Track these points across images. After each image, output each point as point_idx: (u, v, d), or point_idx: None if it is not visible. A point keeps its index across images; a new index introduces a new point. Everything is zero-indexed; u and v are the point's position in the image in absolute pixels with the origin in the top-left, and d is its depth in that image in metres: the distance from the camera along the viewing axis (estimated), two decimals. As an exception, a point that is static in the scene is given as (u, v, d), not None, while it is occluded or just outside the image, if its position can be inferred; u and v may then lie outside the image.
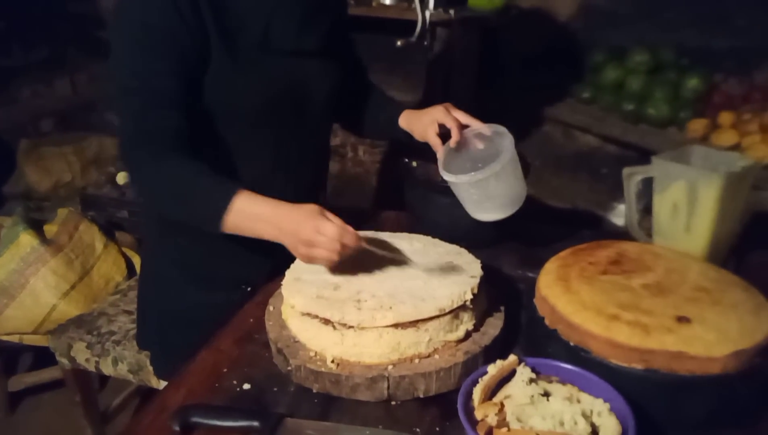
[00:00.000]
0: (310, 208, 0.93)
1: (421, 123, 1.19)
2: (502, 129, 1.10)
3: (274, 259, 1.12)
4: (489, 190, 1.07)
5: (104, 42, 3.09)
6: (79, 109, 3.14)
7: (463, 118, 1.14)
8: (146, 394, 1.92)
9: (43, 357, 1.91)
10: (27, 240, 1.88)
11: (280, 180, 1.17)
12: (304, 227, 0.91)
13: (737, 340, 0.77)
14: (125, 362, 1.53)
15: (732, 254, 1.13)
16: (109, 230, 2.19)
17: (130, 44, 0.99)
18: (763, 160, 1.71)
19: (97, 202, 2.40)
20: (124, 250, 2.15)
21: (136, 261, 2.13)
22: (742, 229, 1.11)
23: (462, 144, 1.15)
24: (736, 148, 1.84)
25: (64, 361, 1.61)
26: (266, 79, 1.08)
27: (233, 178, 1.06)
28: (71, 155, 2.73)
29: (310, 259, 0.94)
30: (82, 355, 1.57)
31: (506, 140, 1.07)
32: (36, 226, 1.96)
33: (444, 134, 1.16)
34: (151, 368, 1.45)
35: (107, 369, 1.56)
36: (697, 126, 1.96)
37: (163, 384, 1.33)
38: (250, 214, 0.96)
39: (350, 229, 0.93)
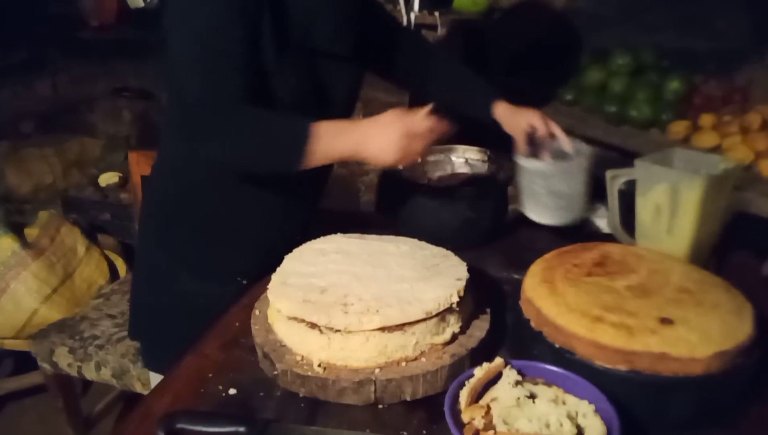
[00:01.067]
0: (396, 112, 1.04)
1: (515, 120, 1.28)
2: (586, 146, 1.19)
3: (269, 252, 1.13)
4: (554, 185, 1.12)
5: (85, 43, 3.05)
6: (60, 110, 3.10)
7: (556, 130, 1.25)
8: (130, 399, 1.90)
9: (24, 362, 1.89)
10: (7, 244, 1.86)
11: (296, 174, 1.17)
12: (400, 125, 1.01)
13: (719, 341, 0.78)
14: (108, 367, 1.51)
15: (713, 255, 1.15)
16: (91, 233, 2.17)
17: (212, 10, 1.00)
18: (744, 162, 1.73)
19: (78, 205, 2.38)
20: (107, 253, 2.13)
21: (119, 264, 2.12)
22: (723, 229, 1.13)
23: (542, 151, 1.24)
24: (716, 149, 1.86)
25: (46, 366, 1.59)
26: (298, 81, 1.11)
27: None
28: (52, 157, 2.70)
29: (404, 158, 1.03)
30: (64, 360, 1.55)
31: (587, 151, 1.16)
32: (17, 230, 1.94)
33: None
34: (134, 373, 1.44)
35: (90, 374, 1.54)
36: (679, 127, 1.98)
37: (155, 378, 1.31)
38: (331, 133, 1.02)
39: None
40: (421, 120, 1.03)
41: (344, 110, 1.27)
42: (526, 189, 1.17)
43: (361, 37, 1.18)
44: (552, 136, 1.25)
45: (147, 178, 1.33)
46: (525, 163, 1.14)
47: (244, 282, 1.21)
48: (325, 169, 1.36)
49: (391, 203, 1.38)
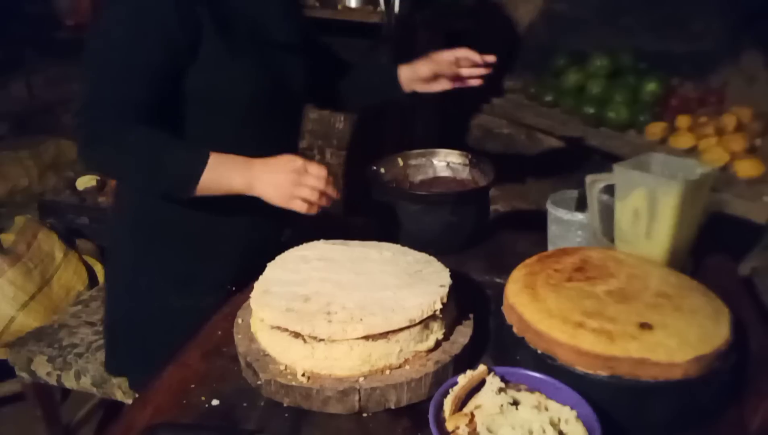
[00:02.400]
0: (291, 154, 1.05)
1: (418, 67, 1.30)
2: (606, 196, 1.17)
3: (255, 258, 1.12)
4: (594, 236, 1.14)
5: (61, 43, 3.00)
6: (36, 112, 3.04)
7: (469, 53, 1.28)
8: (110, 406, 1.88)
9: (0, 370, 1.85)
10: (-18, 250, 1.82)
11: None
12: (293, 163, 1.02)
13: (697, 346, 0.80)
14: (88, 375, 1.49)
15: (690, 257, 1.17)
16: (69, 238, 2.13)
17: (119, 18, 1.01)
18: (719, 163, 1.77)
19: (56, 209, 2.33)
20: (86, 258, 2.10)
21: (98, 269, 2.09)
22: (700, 232, 1.15)
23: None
24: (692, 150, 1.90)
25: (24, 375, 1.56)
26: (256, 67, 1.12)
27: None
28: (28, 160, 2.65)
29: (289, 198, 1.02)
30: (43, 368, 1.53)
31: (612, 202, 1.15)
32: (-8, 236, 1.90)
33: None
34: (115, 381, 1.42)
35: (70, 382, 1.52)
36: (656, 129, 2.01)
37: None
38: (225, 166, 1.03)
39: (331, 178, 1.04)
40: (315, 170, 1.03)
41: (298, 106, 1.30)
42: (561, 237, 1.19)
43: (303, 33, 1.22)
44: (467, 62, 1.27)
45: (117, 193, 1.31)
46: (563, 214, 1.16)
47: (233, 289, 1.18)
48: None
49: (374, 208, 1.38)
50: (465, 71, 1.30)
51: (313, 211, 1.04)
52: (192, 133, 1.11)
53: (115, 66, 1.01)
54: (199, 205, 1.08)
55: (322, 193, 1.03)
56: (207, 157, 1.02)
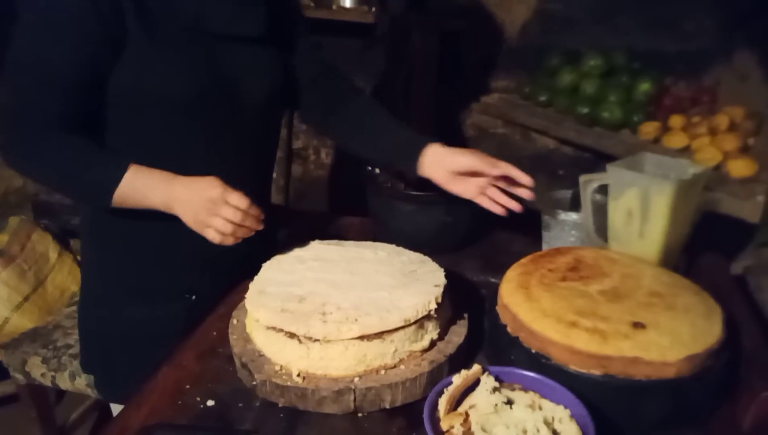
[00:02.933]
0: (214, 178, 0.96)
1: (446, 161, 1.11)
2: (600, 196, 1.16)
3: (215, 265, 1.12)
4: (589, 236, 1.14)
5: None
6: (29, 112, 3.03)
7: (512, 170, 1.09)
8: (105, 407, 1.87)
9: (-5, 372, 1.85)
10: (-24, 251, 1.81)
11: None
12: (212, 191, 0.94)
13: (690, 345, 0.81)
14: (83, 376, 1.49)
15: (682, 256, 1.17)
16: (63, 239, 2.13)
17: (31, 21, 0.95)
18: (712, 162, 1.78)
19: (50, 209, 2.33)
20: (80, 259, 2.09)
21: (93, 270, 2.08)
22: (693, 231, 1.16)
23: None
24: (686, 150, 1.91)
25: (18, 376, 1.56)
26: (195, 65, 1.01)
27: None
28: (21, 160, 2.64)
29: (203, 226, 0.95)
30: (37, 370, 1.53)
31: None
32: (-15, 237, 1.90)
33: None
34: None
35: (64, 384, 1.52)
36: (649, 129, 2.02)
37: (115, 409, 1.24)
38: (144, 181, 0.97)
39: (256, 209, 0.97)
40: (234, 200, 0.95)
41: (267, 107, 1.15)
42: (556, 238, 1.20)
43: (274, 17, 1.09)
44: (506, 179, 1.10)
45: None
46: (557, 214, 1.17)
47: (193, 298, 1.15)
48: (268, 172, 1.28)
49: (368, 208, 1.39)
50: (496, 193, 1.12)
51: (228, 242, 0.97)
52: (119, 141, 1.04)
53: (31, 73, 0.96)
54: (149, 212, 1.01)
55: (239, 226, 0.96)
56: (124, 169, 0.97)
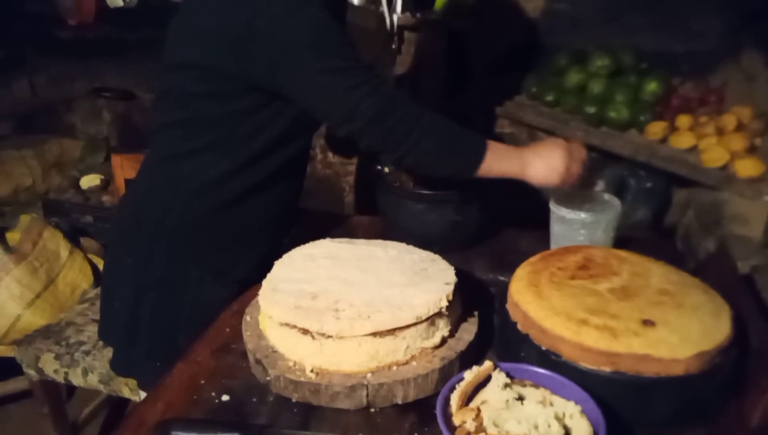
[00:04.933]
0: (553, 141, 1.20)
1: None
2: (616, 199, 1.25)
3: (267, 251, 1.18)
4: (594, 234, 1.18)
5: (63, 42, 3.00)
6: (39, 111, 3.06)
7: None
8: (117, 403, 1.90)
9: (7, 368, 1.87)
10: (-11, 249, 1.83)
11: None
12: (569, 147, 1.16)
13: (699, 342, 0.82)
14: (95, 372, 1.51)
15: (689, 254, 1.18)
16: (73, 236, 2.15)
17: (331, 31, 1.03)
18: (720, 162, 1.78)
19: (60, 208, 2.35)
20: (90, 256, 2.11)
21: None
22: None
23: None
24: (693, 150, 1.91)
25: (31, 372, 1.58)
26: None
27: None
28: (31, 159, 2.67)
29: (569, 174, 1.15)
30: (50, 366, 1.54)
31: (617, 203, 1.23)
32: (-2, 234, 1.92)
33: None
34: (122, 378, 1.44)
35: (77, 380, 1.53)
36: (656, 129, 2.02)
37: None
38: (500, 153, 1.12)
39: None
40: (579, 148, 1.18)
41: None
42: (564, 236, 1.21)
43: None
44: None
45: (129, 189, 1.28)
46: (566, 213, 1.19)
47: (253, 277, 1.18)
48: (304, 164, 1.34)
49: (378, 207, 1.40)
50: None
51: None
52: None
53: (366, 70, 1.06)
54: (225, 202, 1.14)
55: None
56: (485, 143, 1.11)
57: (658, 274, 0.98)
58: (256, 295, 1.01)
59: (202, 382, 0.93)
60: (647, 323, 0.84)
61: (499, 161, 1.12)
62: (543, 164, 1.14)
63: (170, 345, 1.14)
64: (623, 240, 1.25)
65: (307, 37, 1.01)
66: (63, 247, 2.01)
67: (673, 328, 0.83)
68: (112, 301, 1.25)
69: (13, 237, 1.96)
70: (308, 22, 1.00)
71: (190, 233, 1.18)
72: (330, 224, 1.49)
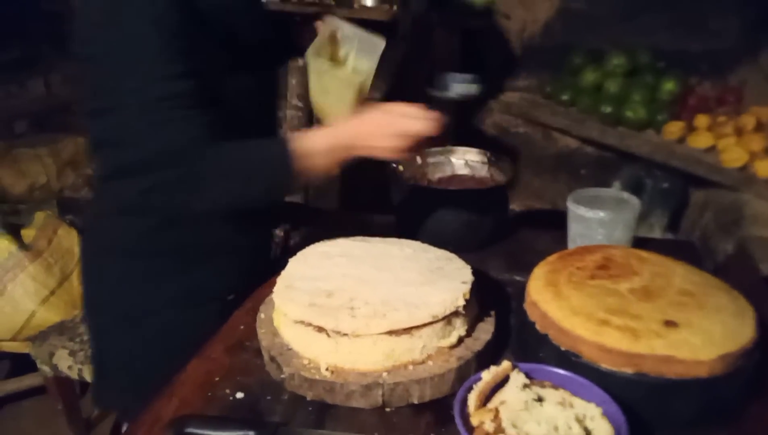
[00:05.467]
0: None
1: None
2: (635, 198, 1.22)
3: (254, 264, 1.14)
4: (613, 233, 1.16)
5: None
6: (54, 109, 3.08)
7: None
8: (129, 400, 1.89)
9: (22, 364, 1.88)
10: (4, 245, 1.85)
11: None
12: (391, 107, 0.97)
13: (723, 344, 0.80)
14: (109, 369, 1.51)
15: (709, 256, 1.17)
16: (88, 234, 2.15)
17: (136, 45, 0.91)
18: (738, 163, 1.76)
19: (74, 206, 2.36)
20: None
21: (117, 265, 2.10)
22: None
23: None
24: (711, 150, 1.89)
25: (45, 368, 1.58)
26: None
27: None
28: (46, 157, 2.69)
29: (410, 136, 0.96)
30: (64, 362, 1.55)
31: (636, 202, 1.20)
32: (13, 231, 1.93)
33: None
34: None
35: (90, 376, 1.54)
36: (674, 128, 2.00)
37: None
38: (321, 142, 0.97)
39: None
40: (412, 112, 0.97)
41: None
42: (582, 235, 1.20)
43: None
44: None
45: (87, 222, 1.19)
46: (584, 212, 1.18)
47: (231, 297, 1.15)
48: None
49: (393, 205, 1.39)
50: None
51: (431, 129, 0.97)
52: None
53: (164, 103, 0.94)
54: (198, 226, 1.05)
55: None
56: (284, 144, 0.96)
57: (679, 274, 0.96)
58: (270, 292, 1.00)
59: (217, 379, 0.92)
60: (670, 324, 0.82)
61: (315, 159, 0.97)
62: (373, 136, 0.97)
63: (146, 377, 1.02)
64: (640, 241, 1.24)
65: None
66: (77, 245, 2.02)
67: (696, 330, 0.82)
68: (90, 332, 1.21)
69: (28, 234, 1.97)
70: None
71: (145, 256, 1.11)
72: (342, 223, 1.48)
